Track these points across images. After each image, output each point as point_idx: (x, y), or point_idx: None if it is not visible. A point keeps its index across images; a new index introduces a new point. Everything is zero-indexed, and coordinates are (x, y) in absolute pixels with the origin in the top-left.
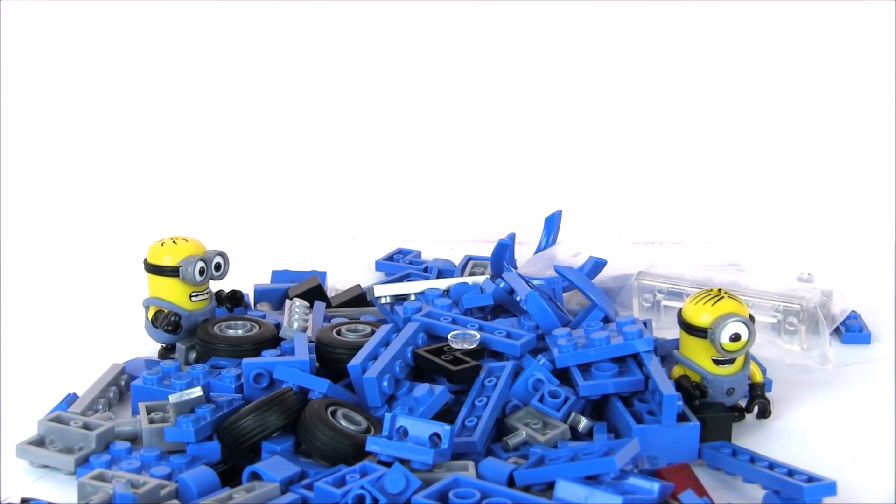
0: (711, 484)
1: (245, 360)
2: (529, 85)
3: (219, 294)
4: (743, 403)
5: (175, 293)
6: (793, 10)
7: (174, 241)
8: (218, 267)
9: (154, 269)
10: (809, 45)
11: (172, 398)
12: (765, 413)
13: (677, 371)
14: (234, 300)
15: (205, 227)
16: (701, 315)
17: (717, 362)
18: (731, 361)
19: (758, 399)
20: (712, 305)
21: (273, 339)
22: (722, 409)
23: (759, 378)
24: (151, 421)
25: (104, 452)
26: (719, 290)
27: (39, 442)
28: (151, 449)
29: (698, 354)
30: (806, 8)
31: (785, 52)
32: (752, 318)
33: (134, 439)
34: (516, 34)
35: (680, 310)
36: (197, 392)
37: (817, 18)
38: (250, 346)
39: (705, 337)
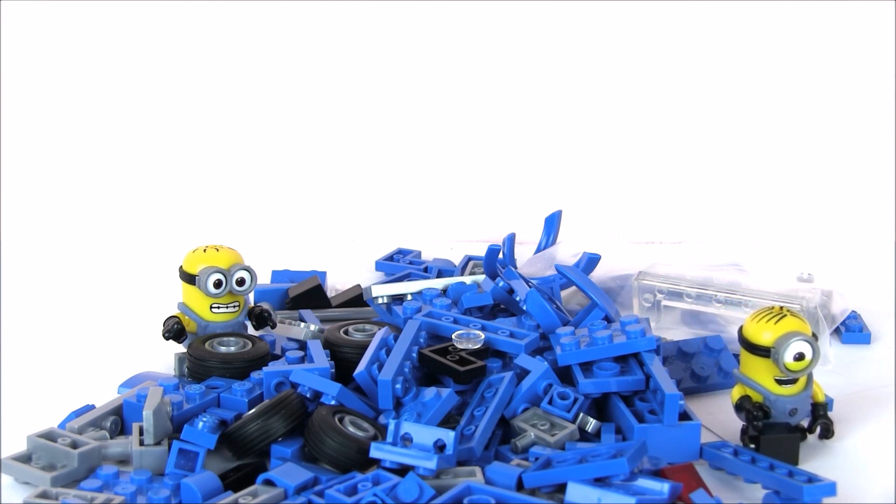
0: (712, 484)
1: (266, 370)
2: (529, 85)
3: (252, 310)
4: (805, 423)
5: (197, 302)
6: (793, 10)
7: (205, 250)
8: (241, 282)
9: (182, 275)
10: (809, 45)
11: (145, 410)
12: (827, 433)
13: (738, 391)
14: (259, 319)
15: (205, 228)
16: (763, 333)
17: (779, 382)
18: (794, 381)
19: (820, 419)
20: (775, 324)
21: (266, 358)
22: (786, 429)
23: (821, 398)
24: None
25: (93, 478)
26: (781, 307)
27: (27, 458)
28: (141, 472)
29: (760, 374)
30: (806, 8)
31: (785, 52)
32: (815, 336)
33: (124, 460)
34: (516, 34)
35: (740, 328)
36: (159, 392)
37: (817, 18)
38: (241, 364)
39: (768, 356)
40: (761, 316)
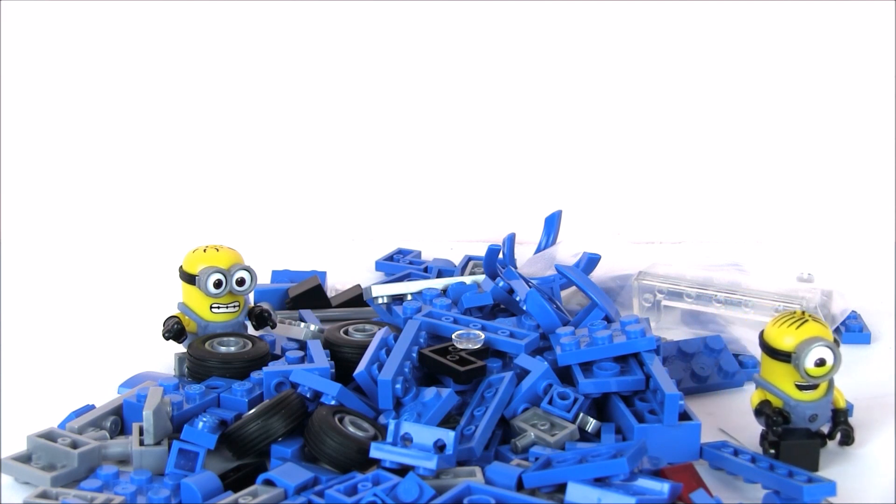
0: (712, 483)
1: (266, 370)
2: (529, 85)
3: (252, 310)
4: (825, 429)
5: (197, 302)
6: (793, 10)
7: (205, 250)
8: (241, 282)
9: (182, 275)
10: (809, 45)
11: (145, 410)
12: (847, 440)
13: (758, 396)
14: (259, 319)
15: (205, 228)
16: (784, 338)
17: (800, 388)
18: (814, 387)
19: (841, 425)
20: (796, 329)
21: (266, 358)
22: (806, 434)
23: (842, 404)
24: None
25: (93, 478)
26: (803, 312)
27: (27, 458)
28: (141, 472)
29: (781, 379)
30: (806, 8)
31: (785, 52)
32: (836, 341)
33: (124, 460)
34: (516, 34)
35: (761, 332)
36: (159, 392)
37: (817, 18)
38: (241, 364)
39: (788, 361)
40: (783, 321)
